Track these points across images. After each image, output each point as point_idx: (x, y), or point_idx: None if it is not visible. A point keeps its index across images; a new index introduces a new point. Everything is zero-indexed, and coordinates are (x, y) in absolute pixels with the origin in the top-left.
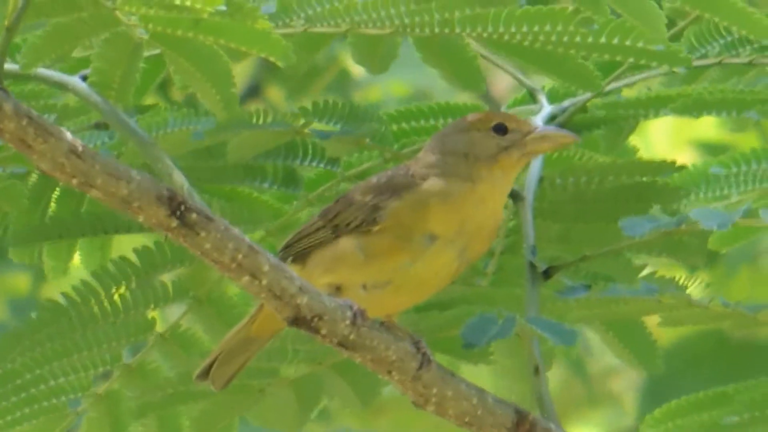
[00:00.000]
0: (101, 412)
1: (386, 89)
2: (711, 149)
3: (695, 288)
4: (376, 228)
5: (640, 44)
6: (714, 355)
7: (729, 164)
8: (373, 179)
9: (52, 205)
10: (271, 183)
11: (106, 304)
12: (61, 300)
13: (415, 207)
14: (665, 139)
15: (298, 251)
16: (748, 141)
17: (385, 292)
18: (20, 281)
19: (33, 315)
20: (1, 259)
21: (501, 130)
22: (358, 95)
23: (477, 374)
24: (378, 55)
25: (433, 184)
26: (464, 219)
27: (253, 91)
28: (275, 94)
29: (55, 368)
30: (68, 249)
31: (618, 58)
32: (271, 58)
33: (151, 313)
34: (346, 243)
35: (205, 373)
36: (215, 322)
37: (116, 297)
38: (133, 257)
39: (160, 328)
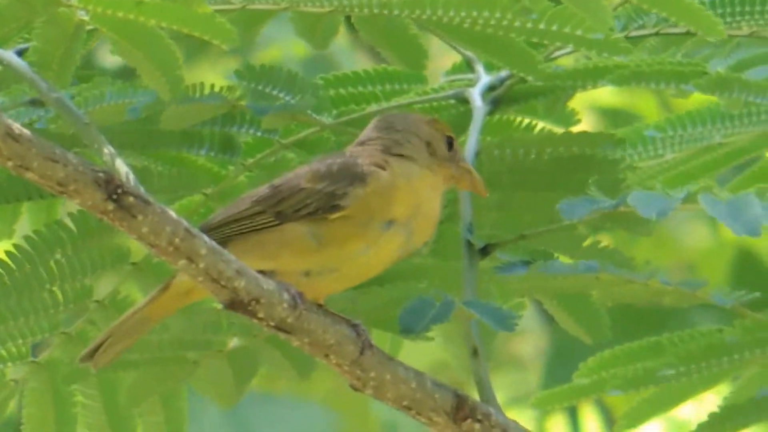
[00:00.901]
0: (41, 381)
1: (286, 50)
2: (610, 114)
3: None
4: (334, 215)
5: (578, 32)
6: (618, 318)
7: (665, 128)
8: (321, 167)
9: None
10: (208, 149)
11: (41, 270)
12: None
13: (382, 192)
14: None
15: (223, 236)
16: (645, 106)
17: (327, 279)
18: None
19: None
20: None
21: (449, 144)
22: (260, 55)
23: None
24: (319, 31)
25: (396, 166)
26: (420, 203)
27: None
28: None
29: None
30: (13, 211)
31: (557, 45)
32: (215, 42)
33: (89, 280)
34: (296, 229)
35: (90, 355)
36: (155, 289)
37: (52, 263)
38: (69, 222)
39: (98, 295)
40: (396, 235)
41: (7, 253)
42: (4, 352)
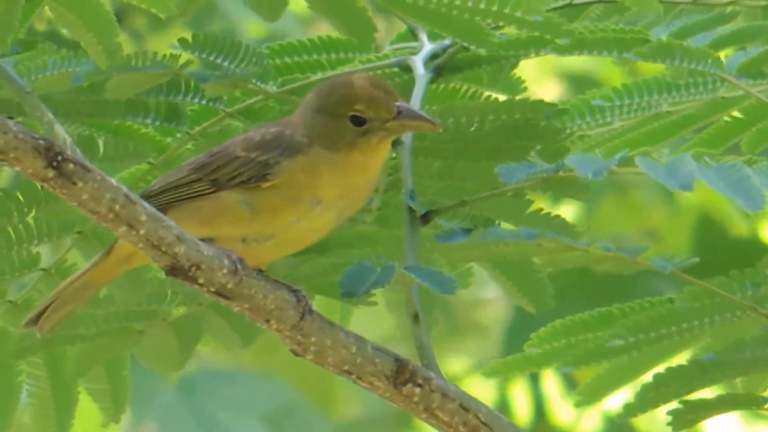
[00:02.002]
0: None
1: (243, 29)
2: (576, 81)
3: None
4: (266, 185)
5: (518, 14)
6: (578, 286)
7: (611, 97)
8: (256, 136)
9: None
10: (154, 118)
11: None
12: None
13: (306, 170)
14: (533, 71)
15: (162, 203)
16: (609, 70)
17: (264, 246)
18: None
19: None
20: None
21: (358, 122)
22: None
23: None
24: (268, 2)
25: (318, 150)
26: (347, 187)
27: (116, 19)
28: (138, 22)
29: None
30: None
31: (501, 24)
32: (152, 10)
33: (35, 248)
34: (230, 197)
35: (35, 320)
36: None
37: None
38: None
39: (44, 263)
40: (326, 212)
41: None
42: None
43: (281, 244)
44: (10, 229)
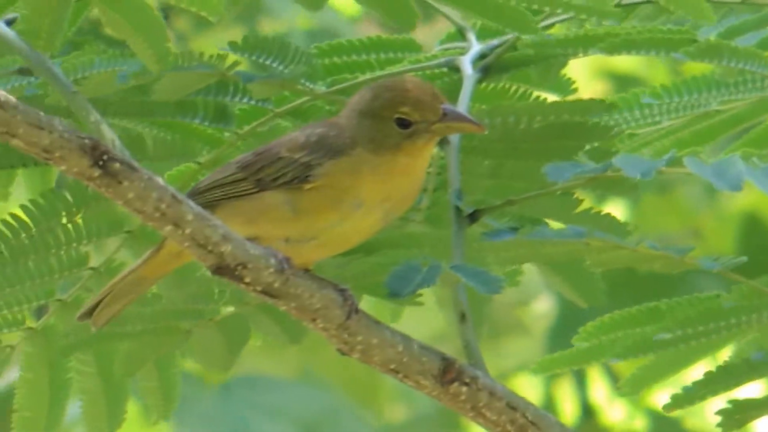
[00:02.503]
0: (37, 347)
1: (291, 23)
2: (621, 81)
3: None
4: (308, 186)
5: None
6: (623, 285)
7: (660, 95)
8: (301, 137)
9: None
10: (202, 119)
11: (37, 237)
12: None
13: (348, 173)
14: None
15: (209, 200)
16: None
17: (307, 246)
18: None
19: None
20: None
21: (404, 125)
22: (266, 27)
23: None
24: None
25: (361, 152)
26: (390, 190)
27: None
28: (183, 23)
29: None
30: (8, 177)
31: (546, 9)
32: (202, 13)
33: (85, 248)
34: (273, 198)
35: (88, 313)
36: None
37: (47, 231)
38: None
39: (94, 262)
40: (369, 214)
41: (3, 222)
42: (0, 320)
43: (325, 245)
44: (59, 228)
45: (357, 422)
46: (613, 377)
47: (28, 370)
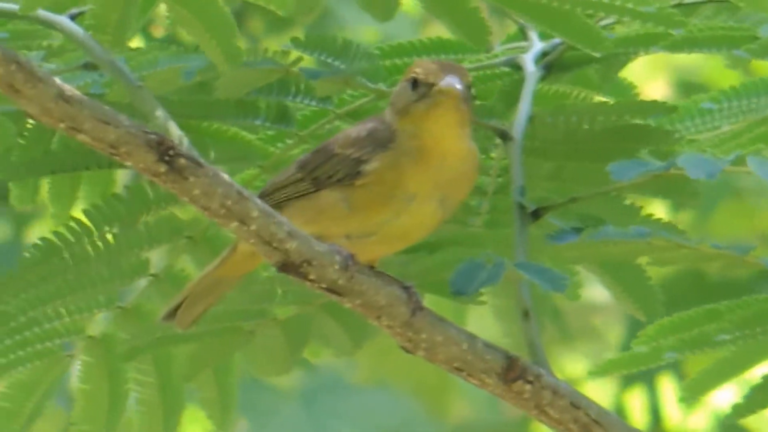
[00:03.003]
0: (97, 356)
1: (356, 35)
2: (682, 84)
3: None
4: (359, 182)
5: (629, 5)
6: (692, 292)
7: (720, 99)
8: (353, 132)
9: (57, 137)
10: (264, 120)
11: (99, 243)
12: (54, 239)
13: (391, 167)
14: (638, 74)
15: (274, 202)
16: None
17: (368, 242)
18: None
19: (26, 254)
20: None
21: (413, 84)
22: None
23: (475, 312)
24: (381, 2)
25: (399, 143)
26: (435, 176)
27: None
28: (256, 26)
29: (49, 310)
30: (71, 183)
31: (614, 17)
32: (271, 8)
33: (145, 254)
34: (329, 196)
35: (171, 315)
36: (210, 261)
37: (109, 236)
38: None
39: (154, 268)
40: (423, 205)
41: (66, 226)
42: (60, 327)
43: (386, 241)
44: (120, 234)
45: (433, 428)
46: (684, 380)
47: (87, 382)
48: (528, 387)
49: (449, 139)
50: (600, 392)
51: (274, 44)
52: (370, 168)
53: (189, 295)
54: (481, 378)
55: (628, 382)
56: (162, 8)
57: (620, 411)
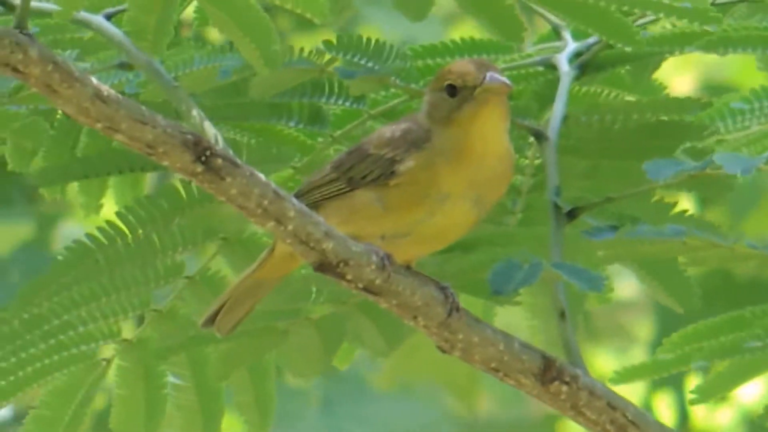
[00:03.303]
0: (133, 361)
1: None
2: (711, 86)
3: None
4: (393, 182)
5: (665, 1)
6: (723, 293)
7: (750, 99)
8: (387, 132)
9: (83, 139)
10: (297, 121)
11: (133, 245)
12: (87, 241)
13: (425, 167)
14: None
15: (310, 202)
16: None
17: (404, 242)
18: (22, 229)
19: (58, 257)
20: (5, 205)
21: (452, 93)
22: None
23: (510, 312)
24: (415, 2)
25: (434, 144)
26: (470, 175)
27: None
28: (284, 23)
29: (83, 313)
30: (99, 186)
31: (648, 13)
32: (307, 15)
33: (180, 256)
34: (364, 196)
35: (211, 320)
36: (245, 263)
37: (143, 238)
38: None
39: (189, 271)
40: (457, 204)
41: (99, 229)
42: (95, 331)
43: (421, 240)
44: (154, 236)
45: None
46: None
47: (124, 387)
48: (565, 388)
49: (495, 138)
50: (628, 390)
51: (302, 42)
52: (404, 168)
53: (228, 300)
54: (518, 378)
55: (657, 382)
56: (189, 9)
57: (648, 409)
